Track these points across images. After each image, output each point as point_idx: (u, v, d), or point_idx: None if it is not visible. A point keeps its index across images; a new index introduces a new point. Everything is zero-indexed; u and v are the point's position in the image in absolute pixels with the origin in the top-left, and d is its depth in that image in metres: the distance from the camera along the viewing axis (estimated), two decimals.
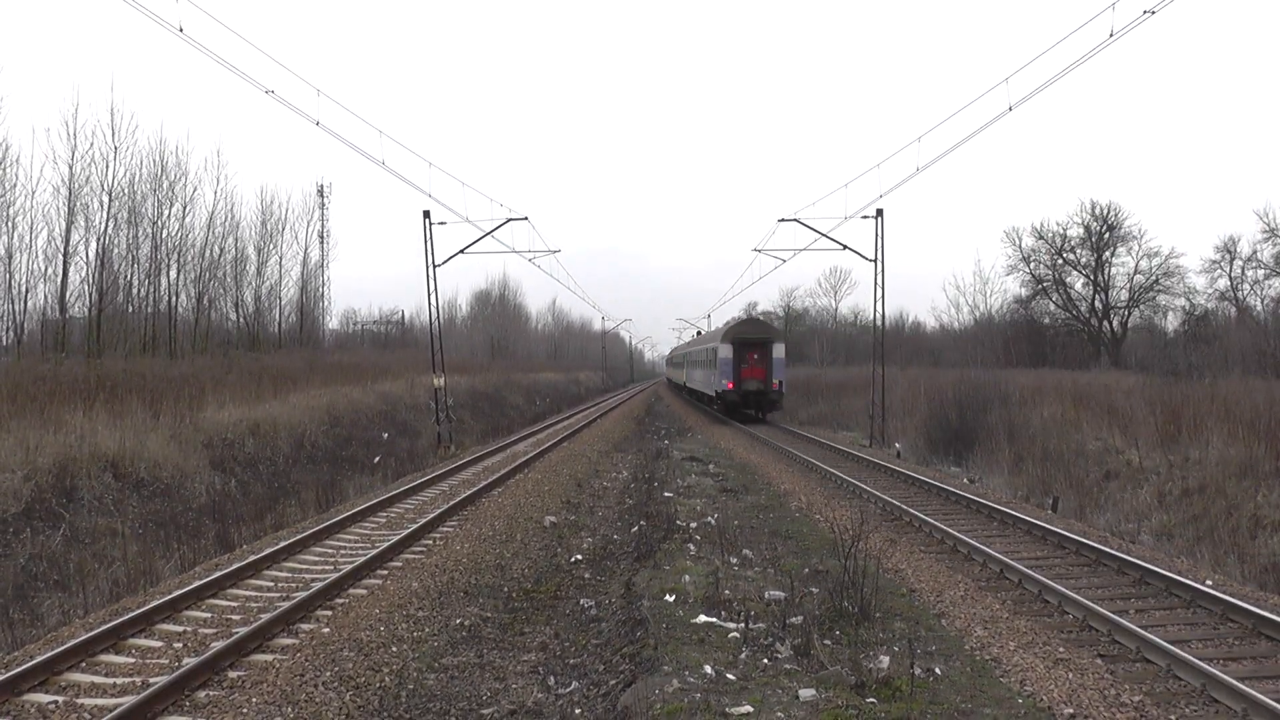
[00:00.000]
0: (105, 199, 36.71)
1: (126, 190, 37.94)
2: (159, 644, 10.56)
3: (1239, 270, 53.03)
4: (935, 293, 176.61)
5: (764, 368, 42.41)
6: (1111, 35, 17.12)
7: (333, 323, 68.69)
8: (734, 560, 14.03)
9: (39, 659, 9.43)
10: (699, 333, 78.25)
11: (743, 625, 10.32)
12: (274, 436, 28.06)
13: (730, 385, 42.72)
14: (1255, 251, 51.74)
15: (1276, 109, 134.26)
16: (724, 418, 45.50)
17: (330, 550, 15.75)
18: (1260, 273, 51.75)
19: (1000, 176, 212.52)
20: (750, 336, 43.32)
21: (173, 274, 42.00)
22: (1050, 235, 59.76)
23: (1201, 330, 51.26)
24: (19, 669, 9.13)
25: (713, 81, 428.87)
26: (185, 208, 41.99)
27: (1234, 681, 8.38)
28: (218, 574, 13.24)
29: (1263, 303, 51.30)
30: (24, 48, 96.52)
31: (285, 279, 53.35)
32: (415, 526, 16.89)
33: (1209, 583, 12.60)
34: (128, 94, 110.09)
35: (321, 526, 16.99)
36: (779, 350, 42.59)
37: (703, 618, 11.00)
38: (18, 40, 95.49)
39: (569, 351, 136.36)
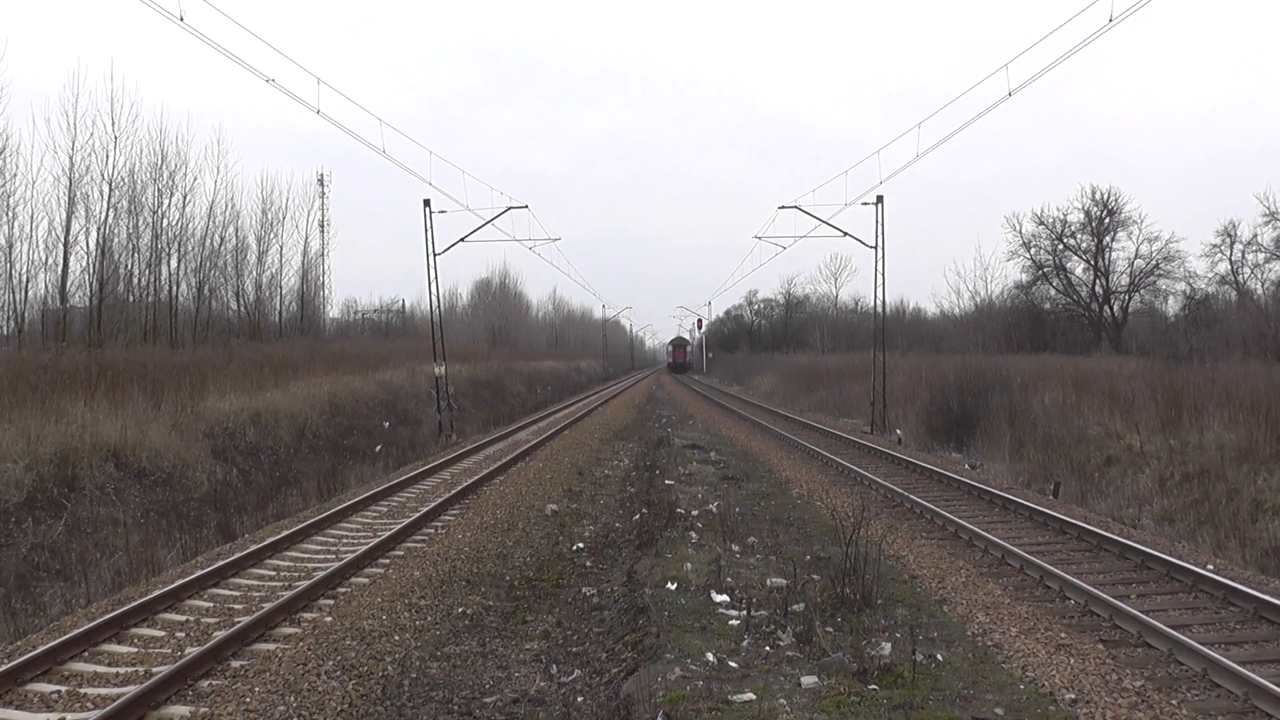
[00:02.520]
0: (106, 188, 36.63)
1: (127, 179, 37.86)
2: (161, 633, 10.57)
3: (1239, 254, 52.79)
4: (936, 279, 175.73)
5: (684, 354, 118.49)
6: (1111, 20, 17.06)
7: (333, 312, 68.56)
8: (736, 548, 14.05)
9: (41, 649, 9.44)
10: (699, 321, 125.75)
11: (745, 612, 10.34)
12: (275, 425, 28.06)
13: (671, 361, 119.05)
14: (1256, 235, 51.45)
15: (1276, 92, 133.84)
16: (724, 405, 51.57)
17: (332, 539, 15.77)
18: (1261, 256, 51.49)
19: (1001, 163, 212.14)
20: (679, 342, 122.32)
21: (173, 263, 41.91)
22: (1051, 221, 59.54)
23: (1202, 314, 51.05)
24: (22, 659, 9.15)
25: (715, 71, 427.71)
26: (186, 197, 41.87)
27: (1235, 665, 8.39)
28: (220, 563, 13.26)
29: (1263, 286, 51.03)
30: (24, 37, 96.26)
31: (286, 268, 53.34)
32: (417, 515, 16.90)
33: (1210, 567, 12.61)
34: (127, 83, 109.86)
35: (323, 515, 16.99)
36: (691, 347, 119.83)
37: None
38: (18, 29, 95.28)
39: (569, 340, 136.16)
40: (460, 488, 20.11)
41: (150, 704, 8.24)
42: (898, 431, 32.98)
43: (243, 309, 48.58)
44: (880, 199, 35.11)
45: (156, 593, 11.67)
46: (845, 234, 36.94)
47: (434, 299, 37.46)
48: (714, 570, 12.17)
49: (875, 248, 35.62)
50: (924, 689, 8.26)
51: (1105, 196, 58.10)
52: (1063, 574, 11.89)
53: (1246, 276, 52.92)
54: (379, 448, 30.02)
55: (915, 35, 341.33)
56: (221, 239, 45.78)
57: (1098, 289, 58.93)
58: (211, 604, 11.80)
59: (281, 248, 52.15)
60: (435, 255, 36.18)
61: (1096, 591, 11.04)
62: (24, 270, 33.86)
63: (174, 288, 41.99)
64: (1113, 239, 58.28)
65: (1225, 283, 54.06)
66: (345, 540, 15.69)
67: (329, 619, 10.98)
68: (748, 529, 15.56)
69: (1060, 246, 60.08)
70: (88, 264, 36.16)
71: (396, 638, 10.32)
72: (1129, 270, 57.83)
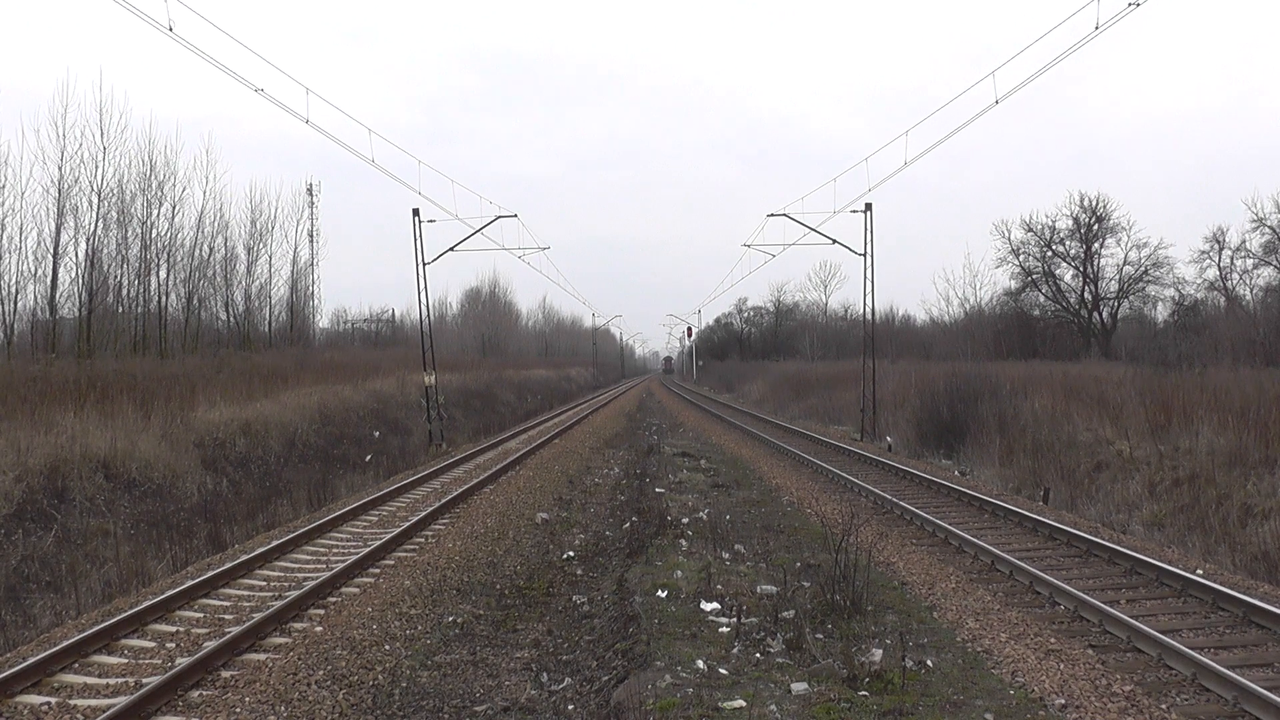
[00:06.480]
0: (95, 199, 36.45)
1: (116, 190, 37.69)
2: (152, 644, 10.55)
3: (1228, 260, 53.14)
4: (925, 286, 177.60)
5: (670, 364, 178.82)
6: (1097, 28, 17.18)
7: (323, 321, 68.44)
8: (726, 555, 14.06)
9: (32, 660, 9.43)
10: (688, 329, 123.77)
11: (735, 620, 10.34)
12: (265, 435, 27.99)
13: (663, 369, 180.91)
14: (1244, 241, 51.78)
15: (1262, 99, 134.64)
16: (714, 413, 52.17)
17: (322, 549, 15.74)
18: (1249, 262, 51.73)
19: (991, 169, 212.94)
20: (667, 357, 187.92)
21: (162, 274, 41.73)
22: (1039, 227, 59.69)
23: (1191, 320, 51.23)
24: (12, 670, 9.13)
25: (710, 77, 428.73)
26: (175, 207, 41.67)
27: (1225, 670, 8.42)
28: (210, 573, 13.23)
29: (1251, 292, 51.38)
30: (13, 46, 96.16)
31: (275, 278, 53.08)
32: (407, 524, 16.89)
33: (1199, 572, 12.65)
34: (116, 93, 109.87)
35: (313, 525, 16.98)
36: (675, 359, 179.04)
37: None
38: (7, 39, 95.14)
39: (560, 348, 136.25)
40: (450, 496, 20.10)
41: (140, 714, 8.23)
42: (887, 438, 33.03)
43: (232, 319, 48.48)
44: (869, 206, 35.23)
45: (147, 603, 11.65)
46: (834, 241, 37.09)
47: (424, 308, 37.42)
48: (704, 578, 12.18)
49: (864, 255, 35.72)
50: (914, 695, 8.29)
51: (1094, 203, 58.37)
52: (1052, 580, 11.93)
53: (1235, 282, 53.24)
54: (369, 457, 29.98)
55: (913, 39, 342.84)
56: (211, 249, 45.66)
57: (1087, 295, 59.13)
58: (202, 614, 11.77)
59: (271, 257, 52.02)
60: (425, 264, 36.20)
61: (1086, 597, 11.07)
62: (13, 281, 33.76)
63: (163, 298, 41.87)
64: (1101, 245, 58.54)
65: (1214, 289, 54.37)
66: (335, 550, 15.67)
67: (319, 629, 10.97)
68: (738, 536, 15.57)
69: (1049, 253, 60.30)
70: (77, 275, 36.06)
71: (387, 647, 10.31)
72: (1118, 277, 58.10)
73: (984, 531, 15.94)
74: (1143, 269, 56.89)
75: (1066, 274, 60.46)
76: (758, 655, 9.39)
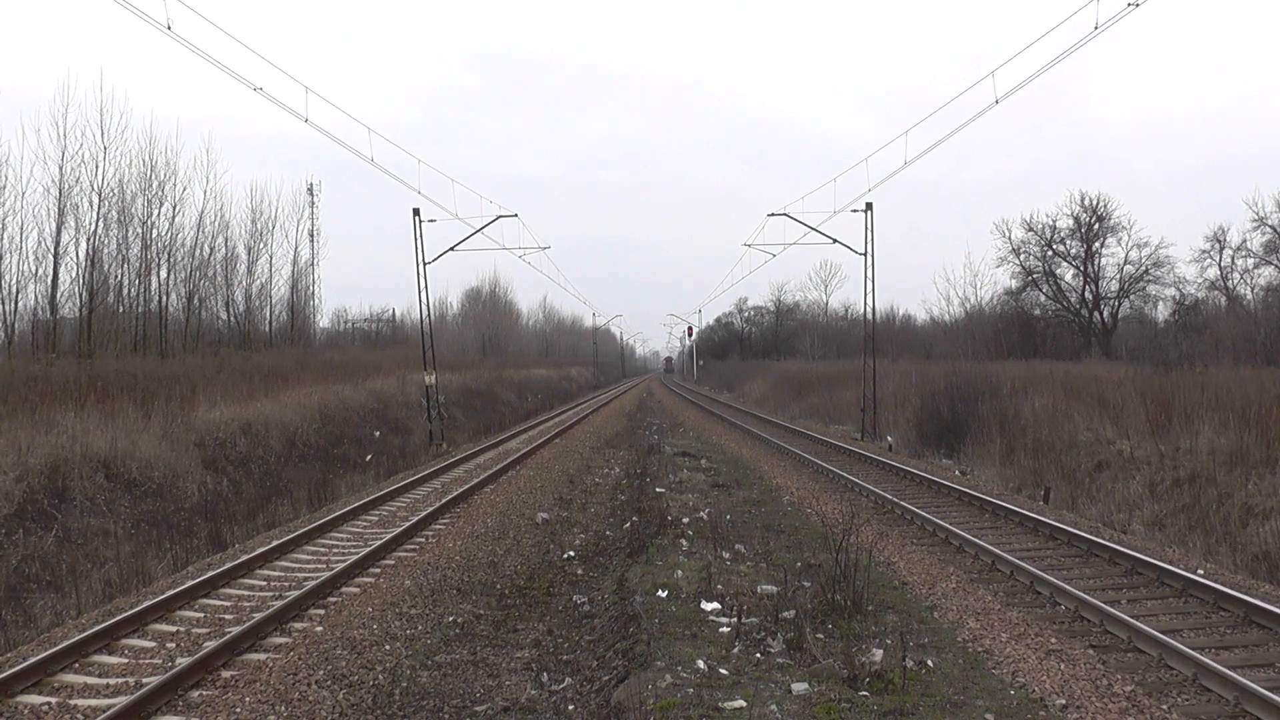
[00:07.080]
0: (95, 199, 36.48)
1: (116, 190, 37.70)
2: (152, 644, 10.55)
3: (1229, 259, 53.05)
4: (925, 286, 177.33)
5: (670, 364, 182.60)
6: (1097, 28, 17.17)
7: (324, 321, 68.36)
8: (726, 555, 14.05)
9: (32, 660, 9.42)
10: (689, 329, 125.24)
11: (735, 620, 10.34)
12: (265, 435, 27.99)
13: (664, 369, 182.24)
14: (1245, 240, 51.70)
15: (1266, 98, 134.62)
16: (714, 412, 52.51)
17: (322, 549, 15.74)
18: (1250, 261, 51.63)
19: (989, 170, 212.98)
20: (668, 357, 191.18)
21: (163, 274, 41.73)
22: (1040, 227, 59.58)
23: (1191, 320, 51.18)
24: (12, 670, 9.13)
25: (711, 77, 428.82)
26: (175, 207, 41.65)
27: (1225, 670, 8.42)
28: (210, 573, 13.23)
29: (1252, 291, 51.30)
30: (13, 47, 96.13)
31: (276, 278, 53.06)
32: (408, 524, 16.88)
33: (1200, 572, 12.65)
34: (117, 92, 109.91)
35: (314, 525, 16.97)
36: (676, 360, 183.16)
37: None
38: (8, 39, 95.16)
39: (560, 348, 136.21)
40: (451, 496, 20.09)
41: (141, 714, 8.22)
42: (888, 438, 33.02)
43: (233, 319, 48.48)
44: (869, 206, 35.22)
45: (147, 603, 11.65)
46: (835, 241, 37.03)
47: (424, 308, 37.40)
48: (705, 578, 12.17)
49: (865, 255, 35.71)
50: (914, 695, 8.28)
51: (1094, 202, 58.29)
52: (1053, 579, 11.92)
53: (1236, 282, 53.16)
54: (370, 457, 29.97)
55: (913, 39, 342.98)
56: (211, 249, 45.64)
57: (1087, 295, 59.06)
58: (202, 614, 11.77)
59: (271, 257, 51.99)
60: (425, 264, 36.19)
61: (1086, 597, 11.06)
62: (14, 281, 33.80)
63: (164, 298, 41.86)
64: (1102, 245, 58.46)
65: (1215, 288, 54.28)
66: (336, 549, 15.67)
67: (320, 628, 10.96)
68: (738, 536, 15.56)
69: (1049, 253, 60.23)
70: (77, 275, 36.08)
71: (387, 647, 10.30)
72: (1118, 276, 58.02)
73: (984, 531, 15.93)
74: (1143, 268, 56.86)
75: (1067, 273, 60.41)
76: (758, 655, 9.39)
